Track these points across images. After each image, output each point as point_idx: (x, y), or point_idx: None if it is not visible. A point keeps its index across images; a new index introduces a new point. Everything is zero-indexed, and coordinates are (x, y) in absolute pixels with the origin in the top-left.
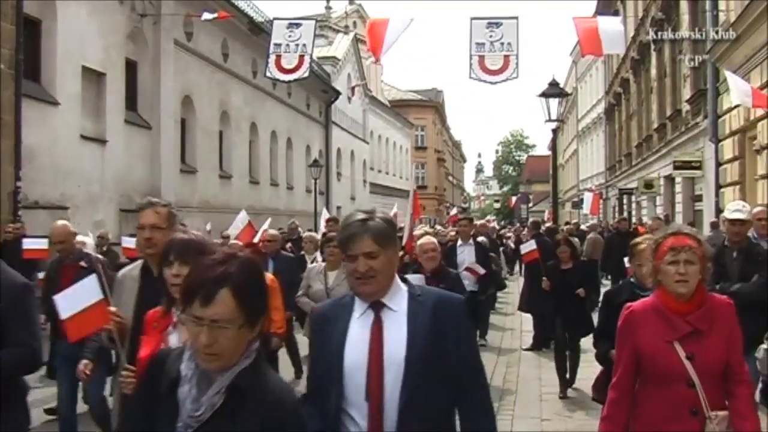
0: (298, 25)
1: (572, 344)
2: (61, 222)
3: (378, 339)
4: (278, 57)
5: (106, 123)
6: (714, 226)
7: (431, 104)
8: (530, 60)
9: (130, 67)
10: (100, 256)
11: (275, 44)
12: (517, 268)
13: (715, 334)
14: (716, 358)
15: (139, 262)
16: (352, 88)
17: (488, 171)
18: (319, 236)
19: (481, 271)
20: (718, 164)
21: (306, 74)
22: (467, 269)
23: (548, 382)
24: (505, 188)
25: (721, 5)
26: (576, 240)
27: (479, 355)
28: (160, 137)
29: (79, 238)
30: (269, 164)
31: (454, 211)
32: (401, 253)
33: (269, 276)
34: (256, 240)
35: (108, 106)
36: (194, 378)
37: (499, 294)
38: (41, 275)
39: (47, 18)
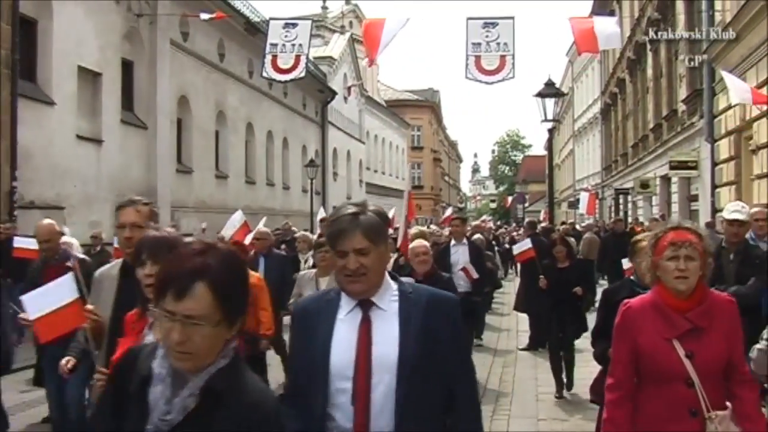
0: (294, 25)
1: (566, 344)
2: (46, 221)
3: (366, 339)
4: (274, 57)
5: (102, 123)
6: (709, 225)
7: (427, 104)
8: (526, 60)
9: (126, 67)
10: (85, 257)
11: (271, 44)
12: (512, 268)
13: (715, 332)
14: (717, 356)
15: (118, 261)
16: (349, 88)
17: (484, 171)
18: (314, 237)
19: (475, 275)
20: (714, 164)
21: (302, 74)
22: (462, 270)
23: (544, 382)
24: (502, 188)
25: (717, 5)
26: (572, 240)
27: (470, 353)
28: (156, 137)
29: (65, 239)
30: (265, 164)
31: (449, 212)
32: (396, 254)
33: (256, 275)
34: (247, 241)
35: (104, 106)
36: (167, 378)
37: (495, 294)
38: None
39: (43, 18)
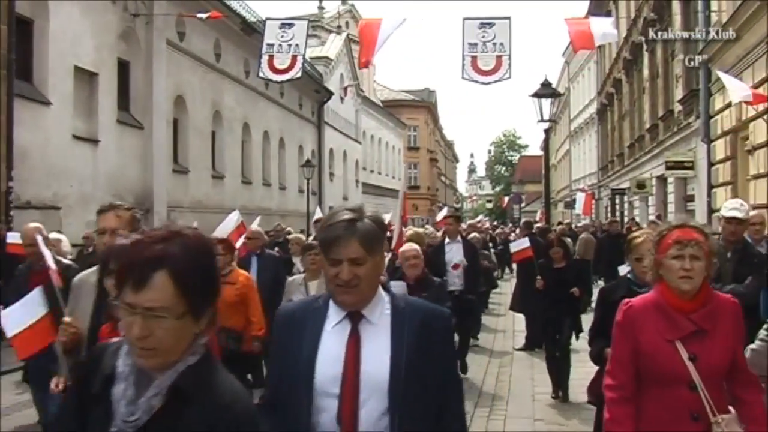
0: (290, 26)
1: (560, 346)
2: (32, 224)
3: (354, 355)
4: (271, 57)
5: (99, 123)
6: None
7: (424, 104)
8: (523, 60)
9: (123, 67)
10: (70, 263)
11: (268, 44)
12: (509, 268)
13: (719, 335)
14: (720, 360)
15: (97, 267)
16: (345, 89)
17: (481, 171)
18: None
19: (462, 263)
20: (711, 164)
21: (299, 74)
22: (454, 267)
23: (541, 383)
24: (498, 188)
25: (714, 5)
26: (568, 240)
27: (457, 367)
28: (152, 137)
29: (53, 235)
30: (262, 164)
31: (443, 213)
32: (390, 255)
33: (245, 273)
34: (238, 244)
35: (100, 106)
36: (131, 376)
37: (491, 294)
38: None
39: (39, 18)
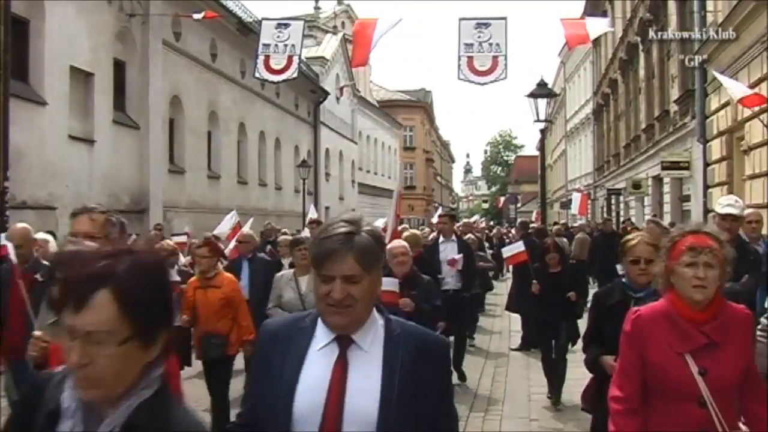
0: (286, 26)
1: (558, 351)
2: (20, 225)
3: (340, 385)
4: (267, 57)
5: (94, 123)
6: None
7: (420, 104)
8: (519, 60)
9: (119, 67)
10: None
11: (264, 45)
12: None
13: (732, 348)
14: (732, 374)
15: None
16: (341, 89)
17: (477, 171)
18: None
19: (459, 265)
20: (706, 165)
21: (295, 75)
22: (449, 262)
23: (537, 383)
24: (494, 189)
25: (709, 6)
26: (564, 240)
27: (454, 401)
28: (148, 137)
29: (39, 235)
30: (258, 164)
31: (438, 214)
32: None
33: (230, 276)
34: (231, 245)
35: (96, 106)
36: (78, 413)
37: (487, 295)
38: None
39: (35, 18)
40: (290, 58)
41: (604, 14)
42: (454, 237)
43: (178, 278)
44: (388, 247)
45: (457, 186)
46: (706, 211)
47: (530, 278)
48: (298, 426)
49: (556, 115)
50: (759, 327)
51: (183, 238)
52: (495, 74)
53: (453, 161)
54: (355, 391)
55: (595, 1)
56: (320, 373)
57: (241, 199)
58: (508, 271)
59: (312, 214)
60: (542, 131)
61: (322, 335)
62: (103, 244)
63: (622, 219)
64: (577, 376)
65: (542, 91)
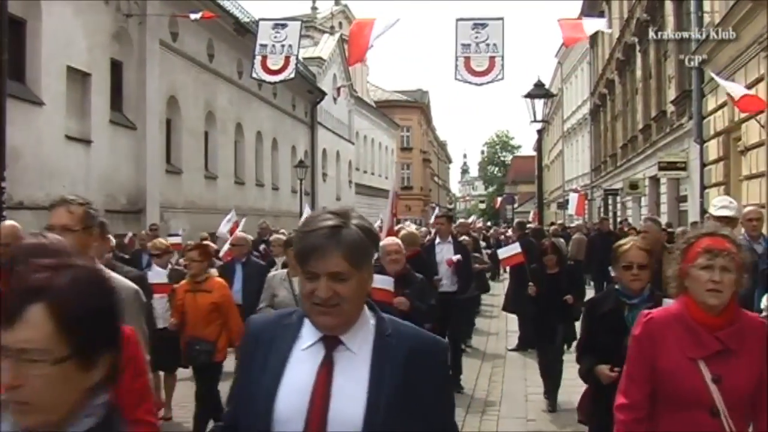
0: (283, 26)
1: (555, 353)
2: (9, 222)
3: (324, 388)
4: (264, 58)
5: (91, 123)
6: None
7: (417, 105)
8: (516, 61)
9: (116, 68)
10: None
11: (261, 45)
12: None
13: (747, 356)
14: (746, 383)
15: None
16: (338, 89)
17: (474, 172)
18: None
19: (455, 258)
20: (703, 165)
21: (292, 75)
22: (448, 262)
23: (534, 383)
24: (491, 189)
25: (706, 6)
26: (561, 240)
27: (454, 413)
28: (145, 138)
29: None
30: (255, 165)
31: (435, 215)
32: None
33: (220, 281)
34: (227, 246)
35: (93, 106)
36: None
37: (483, 296)
38: None
39: (32, 18)
40: (287, 59)
41: (601, 14)
42: (450, 238)
43: (166, 279)
44: (381, 244)
45: (454, 186)
46: (703, 211)
47: (527, 279)
48: (280, 429)
49: (553, 115)
50: None
51: (178, 239)
52: (492, 75)
53: (450, 162)
54: (341, 395)
55: (593, 2)
56: (304, 375)
57: (238, 199)
58: (505, 271)
59: (307, 212)
60: (539, 132)
61: (308, 334)
62: (79, 238)
63: (619, 219)
64: (574, 376)
65: (539, 91)
